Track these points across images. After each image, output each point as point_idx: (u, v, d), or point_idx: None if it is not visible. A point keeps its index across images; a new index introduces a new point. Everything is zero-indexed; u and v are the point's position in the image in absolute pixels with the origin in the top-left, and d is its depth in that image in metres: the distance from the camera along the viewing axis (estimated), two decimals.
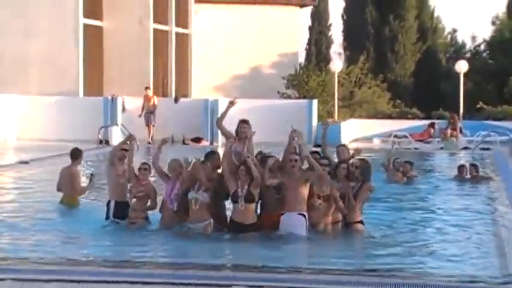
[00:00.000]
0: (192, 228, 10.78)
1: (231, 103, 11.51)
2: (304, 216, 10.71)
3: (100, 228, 11.46)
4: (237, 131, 11.22)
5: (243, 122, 11.22)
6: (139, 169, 11.45)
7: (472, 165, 18.18)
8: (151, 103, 28.19)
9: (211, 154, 11.27)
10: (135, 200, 11.48)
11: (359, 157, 11.74)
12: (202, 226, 10.79)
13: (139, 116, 27.83)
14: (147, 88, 28.68)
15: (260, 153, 11.32)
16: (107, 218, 11.69)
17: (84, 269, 8.98)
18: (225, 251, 10.34)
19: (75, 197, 13.39)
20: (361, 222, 11.17)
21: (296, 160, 10.83)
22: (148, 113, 28.02)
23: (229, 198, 10.82)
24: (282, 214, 10.74)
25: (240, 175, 10.68)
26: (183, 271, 8.81)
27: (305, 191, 10.79)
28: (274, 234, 10.68)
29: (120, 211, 11.60)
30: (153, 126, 27.57)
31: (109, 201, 11.80)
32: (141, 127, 27.05)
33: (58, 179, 13.51)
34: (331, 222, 11.07)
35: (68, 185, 13.32)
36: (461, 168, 17.91)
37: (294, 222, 10.69)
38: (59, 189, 13.51)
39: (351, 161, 11.45)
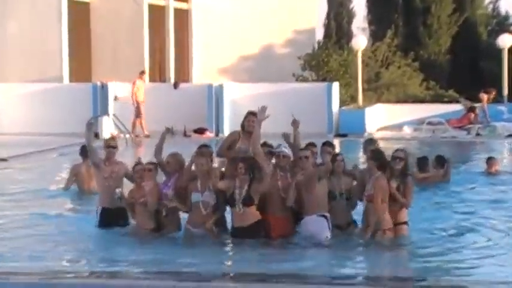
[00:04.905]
0: (193, 232, 10.86)
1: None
2: (325, 217, 10.77)
3: (84, 236, 11.59)
4: (243, 125, 11.17)
5: (252, 115, 11.07)
6: (144, 170, 11.32)
7: None
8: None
9: (204, 147, 11.14)
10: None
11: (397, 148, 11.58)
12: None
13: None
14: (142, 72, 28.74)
15: (265, 144, 11.07)
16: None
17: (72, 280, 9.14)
18: (234, 257, 10.46)
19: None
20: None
21: (307, 157, 10.79)
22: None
23: (227, 202, 10.77)
24: (302, 219, 10.82)
25: (239, 173, 10.61)
26: (187, 283, 8.89)
27: (322, 189, 10.79)
28: (287, 240, 10.76)
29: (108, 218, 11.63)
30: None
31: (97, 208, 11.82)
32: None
33: (77, 178, 15.21)
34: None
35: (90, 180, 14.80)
36: (489, 161, 17.49)
37: (314, 226, 10.77)
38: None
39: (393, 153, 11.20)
